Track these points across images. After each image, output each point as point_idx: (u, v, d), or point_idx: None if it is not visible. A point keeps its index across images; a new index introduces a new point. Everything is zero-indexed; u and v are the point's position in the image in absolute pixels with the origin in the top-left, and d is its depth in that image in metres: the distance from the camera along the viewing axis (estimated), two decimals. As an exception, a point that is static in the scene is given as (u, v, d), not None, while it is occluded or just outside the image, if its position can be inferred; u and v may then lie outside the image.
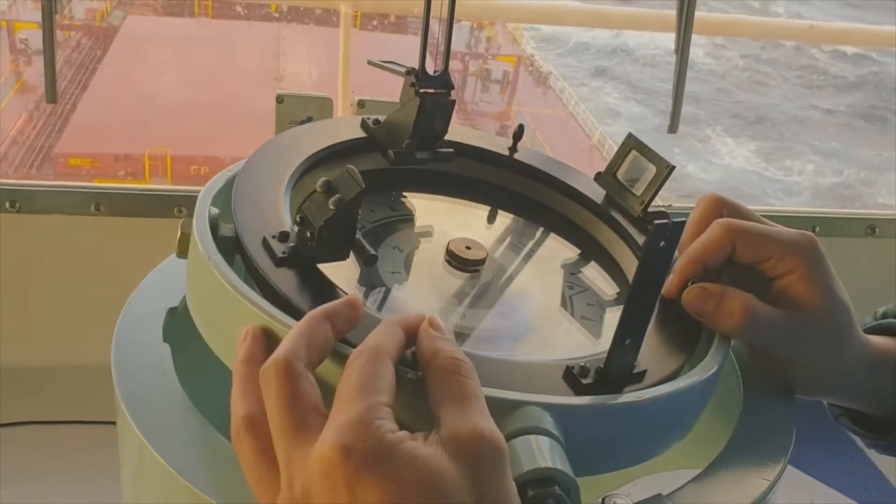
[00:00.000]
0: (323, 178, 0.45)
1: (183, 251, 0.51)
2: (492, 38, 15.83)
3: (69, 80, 12.10)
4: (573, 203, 0.63)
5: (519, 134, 0.65)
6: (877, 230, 1.40)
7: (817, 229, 1.36)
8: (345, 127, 0.61)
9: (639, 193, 0.60)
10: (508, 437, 0.38)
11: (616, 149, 0.61)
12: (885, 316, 0.62)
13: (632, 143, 0.60)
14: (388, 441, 0.34)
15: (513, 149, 0.65)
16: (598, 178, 0.62)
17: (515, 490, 0.36)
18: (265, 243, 0.47)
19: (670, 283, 0.53)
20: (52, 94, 1.09)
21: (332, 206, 0.44)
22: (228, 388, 0.41)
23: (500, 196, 0.64)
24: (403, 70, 0.57)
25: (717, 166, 15.67)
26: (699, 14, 1.35)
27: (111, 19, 14.47)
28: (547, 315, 0.55)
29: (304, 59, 13.16)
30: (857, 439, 0.64)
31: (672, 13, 1.35)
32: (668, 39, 1.37)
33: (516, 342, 0.52)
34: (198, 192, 0.53)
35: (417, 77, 0.56)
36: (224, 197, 0.53)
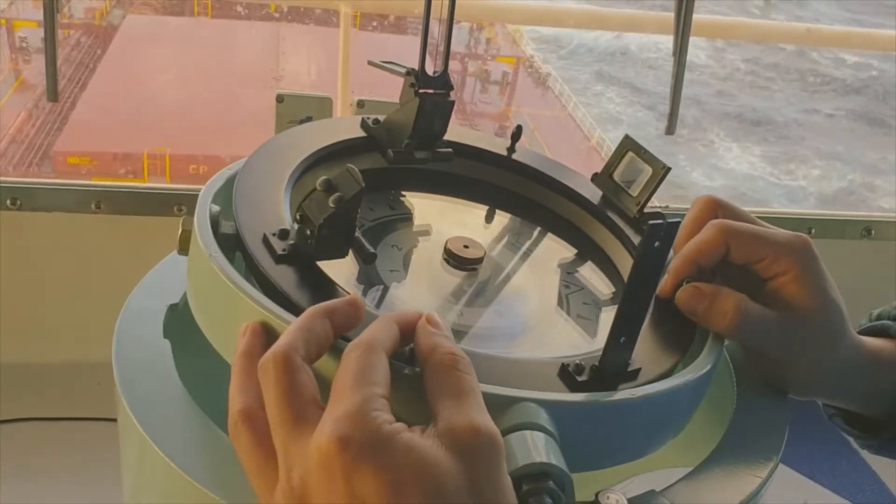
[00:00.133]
0: (323, 177, 0.46)
1: (184, 248, 0.51)
2: (491, 39, 15.84)
3: (68, 78, 12.09)
4: (570, 203, 0.63)
5: (517, 135, 0.65)
6: (873, 232, 1.41)
7: (813, 231, 1.37)
8: (344, 126, 0.61)
9: (635, 194, 0.60)
10: (504, 433, 0.39)
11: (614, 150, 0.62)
12: (879, 317, 0.63)
13: (628, 145, 0.61)
14: (385, 432, 0.35)
15: (511, 149, 0.65)
16: (595, 178, 0.63)
17: (511, 484, 0.37)
18: (265, 241, 0.47)
19: (665, 282, 0.53)
20: (52, 93, 1.10)
21: (332, 205, 0.45)
22: (228, 383, 0.42)
23: (498, 196, 0.64)
24: (403, 71, 0.58)
25: (722, 171, 15.56)
26: (697, 17, 1.36)
27: (110, 18, 14.47)
28: (543, 314, 0.56)
29: (303, 58, 13.16)
30: (851, 440, 0.65)
31: (670, 16, 1.36)
32: (671, 41, 1.38)
33: (513, 340, 0.53)
34: (198, 190, 0.54)
35: (417, 78, 0.56)
36: (225, 195, 0.54)
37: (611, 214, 0.61)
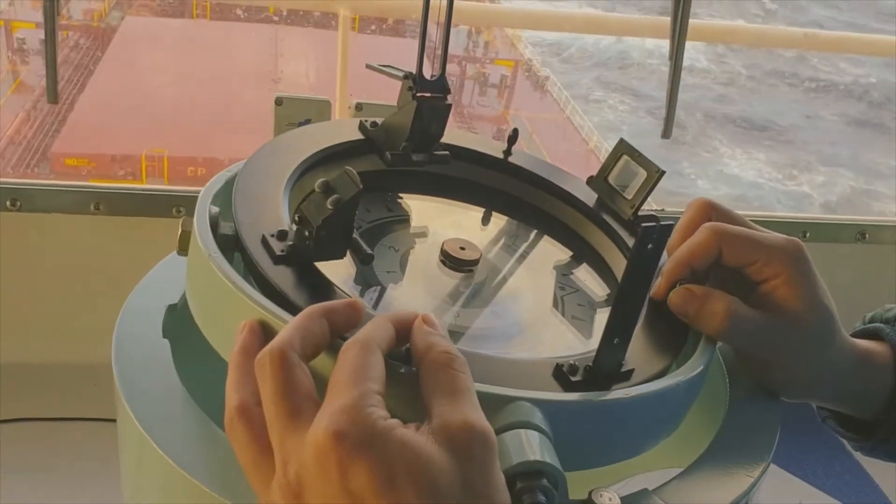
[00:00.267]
0: (321, 179, 0.46)
1: (183, 248, 0.52)
2: (490, 42, 15.85)
3: (66, 80, 12.08)
4: (566, 206, 0.64)
5: (513, 138, 0.66)
6: (867, 236, 1.41)
7: (808, 235, 1.38)
8: (343, 129, 0.62)
9: (629, 197, 0.61)
10: (499, 431, 0.40)
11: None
12: (872, 321, 0.63)
13: (623, 148, 0.61)
14: (380, 427, 0.35)
15: (507, 152, 0.66)
16: (590, 181, 0.64)
17: (504, 481, 0.37)
18: (264, 241, 0.48)
19: (658, 284, 0.54)
20: (53, 94, 1.10)
21: (330, 206, 0.45)
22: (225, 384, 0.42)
23: (494, 198, 0.65)
24: (401, 74, 0.59)
25: (727, 179, 15.45)
26: (694, 21, 1.37)
27: (109, 20, 14.46)
28: (538, 315, 0.56)
29: (301, 61, 13.16)
30: (845, 442, 0.65)
31: (667, 20, 1.37)
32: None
33: (509, 341, 0.53)
34: (196, 192, 0.54)
35: (415, 81, 0.57)
36: (224, 196, 0.54)
37: (606, 217, 0.62)
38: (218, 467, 0.45)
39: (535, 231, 0.64)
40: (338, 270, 0.50)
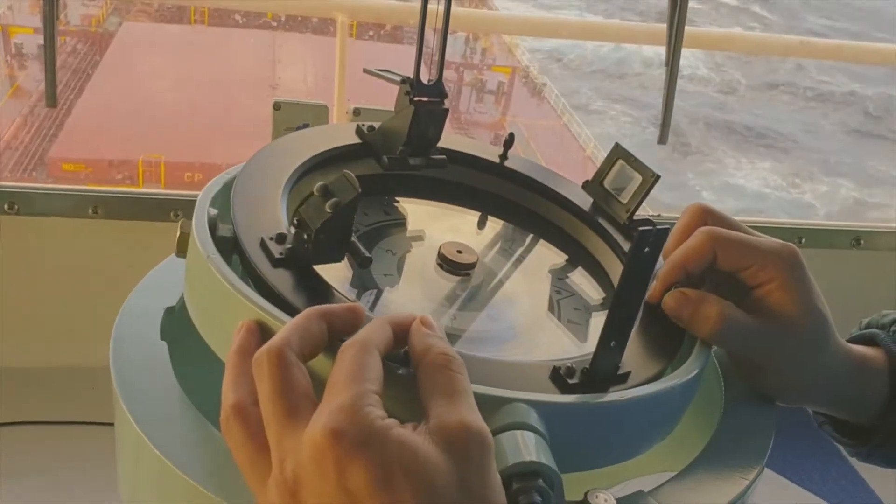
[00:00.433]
0: (320, 182, 0.46)
1: (182, 250, 0.52)
2: (487, 48, 15.88)
3: (64, 84, 12.08)
4: (561, 210, 0.64)
5: (509, 142, 0.66)
6: (862, 242, 1.42)
7: (803, 240, 1.38)
8: (340, 133, 0.62)
9: (625, 201, 0.61)
10: (495, 432, 0.40)
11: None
12: (868, 326, 0.64)
13: (619, 153, 0.62)
14: (378, 427, 0.35)
15: (503, 156, 0.66)
16: (586, 186, 0.64)
17: (500, 482, 0.37)
18: (263, 244, 0.48)
19: (654, 288, 0.54)
20: (51, 98, 1.11)
21: (328, 210, 0.45)
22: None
23: (490, 202, 0.65)
24: (399, 79, 0.59)
25: (733, 190, 15.35)
26: (689, 28, 1.37)
27: (107, 25, 14.46)
28: (535, 318, 0.57)
29: (299, 67, 13.17)
30: (841, 447, 0.65)
31: (663, 27, 1.37)
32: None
33: (505, 344, 0.54)
34: (194, 196, 0.54)
35: (412, 86, 0.57)
36: (223, 198, 0.55)
37: (601, 221, 0.62)
38: (215, 468, 0.45)
39: (531, 235, 0.64)
40: (335, 273, 0.50)
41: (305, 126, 0.70)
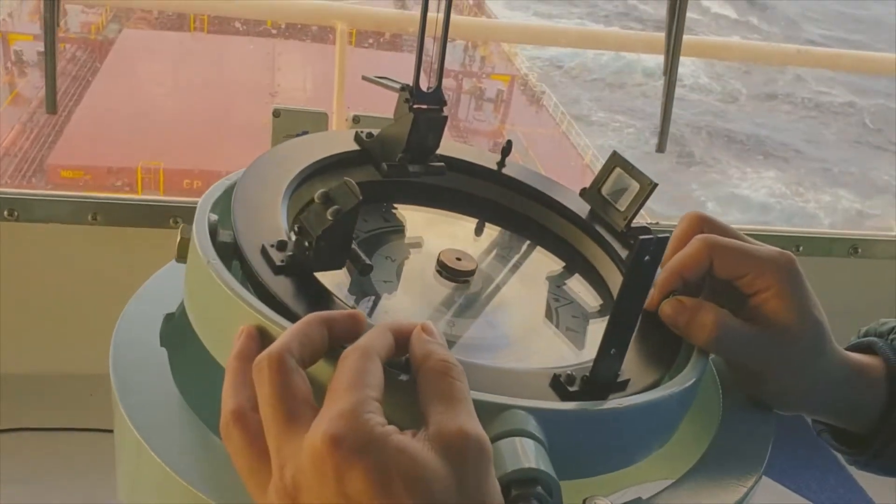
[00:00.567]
0: (321, 190, 0.47)
1: (182, 256, 0.52)
2: (486, 56, 15.91)
3: (63, 91, 12.09)
4: (559, 217, 0.65)
5: (507, 150, 0.66)
6: (859, 250, 1.43)
7: (801, 248, 1.38)
8: (340, 140, 0.63)
9: (622, 209, 0.61)
10: (494, 439, 0.40)
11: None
12: (867, 334, 0.64)
13: (616, 161, 0.62)
14: (378, 433, 0.36)
15: (501, 164, 0.67)
16: (584, 193, 0.64)
17: (499, 488, 0.38)
18: (264, 251, 0.48)
19: (651, 296, 0.54)
20: (52, 105, 1.11)
21: (329, 217, 0.46)
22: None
23: (488, 209, 0.66)
24: (398, 86, 0.59)
25: (739, 201, 15.26)
26: (688, 37, 1.38)
27: (106, 32, 14.48)
28: (533, 326, 0.57)
29: (298, 74, 13.19)
30: (839, 455, 0.65)
31: (661, 35, 1.38)
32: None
33: (503, 351, 0.54)
34: (193, 202, 0.55)
35: (412, 93, 0.58)
36: (223, 204, 0.55)
37: (599, 228, 0.63)
38: (214, 474, 0.45)
39: (529, 242, 0.65)
40: (335, 280, 0.51)
41: (305, 133, 0.71)
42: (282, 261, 0.48)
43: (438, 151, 0.62)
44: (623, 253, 0.61)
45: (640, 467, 0.50)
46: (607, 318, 0.46)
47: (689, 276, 0.53)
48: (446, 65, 0.59)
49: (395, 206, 0.63)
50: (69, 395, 1.13)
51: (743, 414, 0.56)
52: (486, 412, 0.41)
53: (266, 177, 0.56)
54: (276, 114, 0.80)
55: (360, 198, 0.46)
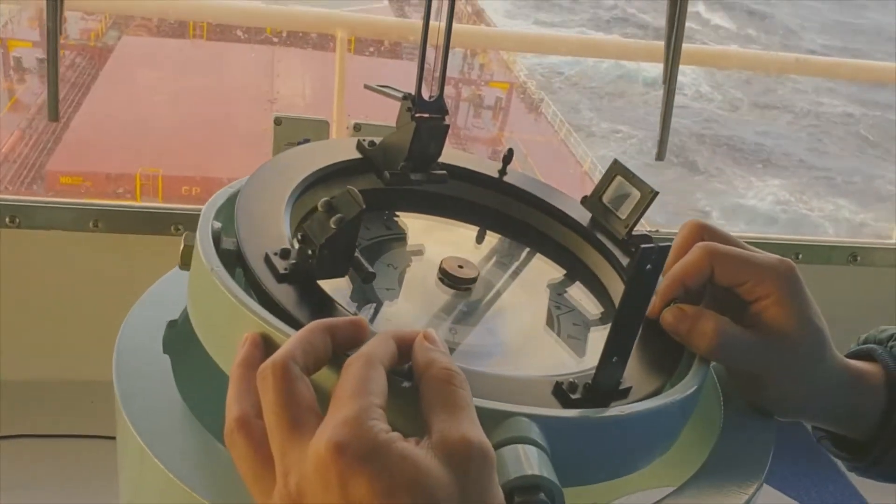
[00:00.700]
0: (324, 198, 0.47)
1: (185, 263, 0.52)
2: (485, 64, 15.93)
3: (62, 98, 12.07)
4: (560, 225, 0.65)
5: (508, 158, 0.67)
6: (858, 258, 1.43)
7: (800, 256, 1.39)
8: (342, 148, 0.63)
9: (623, 217, 0.62)
10: (497, 446, 0.40)
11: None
12: (866, 341, 0.64)
13: (617, 169, 0.62)
14: (382, 440, 0.36)
15: (502, 172, 0.67)
16: (585, 201, 0.65)
17: (502, 495, 0.38)
18: (267, 260, 0.48)
19: (653, 304, 0.55)
20: (54, 112, 1.11)
21: (333, 225, 0.46)
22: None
23: (489, 217, 0.66)
24: (400, 95, 0.60)
25: (746, 212, 15.19)
26: (687, 45, 1.38)
27: (106, 39, 14.49)
28: (535, 333, 0.57)
29: (297, 82, 13.20)
30: (839, 462, 0.66)
31: (660, 44, 1.38)
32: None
33: (504, 358, 0.54)
34: (194, 210, 0.55)
35: (414, 102, 0.58)
36: (226, 212, 0.55)
37: (600, 236, 0.63)
38: (217, 481, 0.46)
39: (530, 249, 0.65)
40: (337, 288, 0.51)
41: (306, 141, 0.71)
42: (285, 269, 0.48)
43: (440, 159, 0.62)
44: (624, 261, 0.61)
45: (642, 474, 0.50)
46: (608, 325, 0.46)
47: (690, 283, 0.54)
48: (446, 73, 0.59)
49: (397, 213, 0.64)
50: (70, 402, 1.13)
51: (744, 421, 0.57)
52: (489, 419, 0.41)
53: (269, 185, 0.56)
54: (278, 122, 0.80)
55: (363, 206, 0.46)
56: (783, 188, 16.46)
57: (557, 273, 0.63)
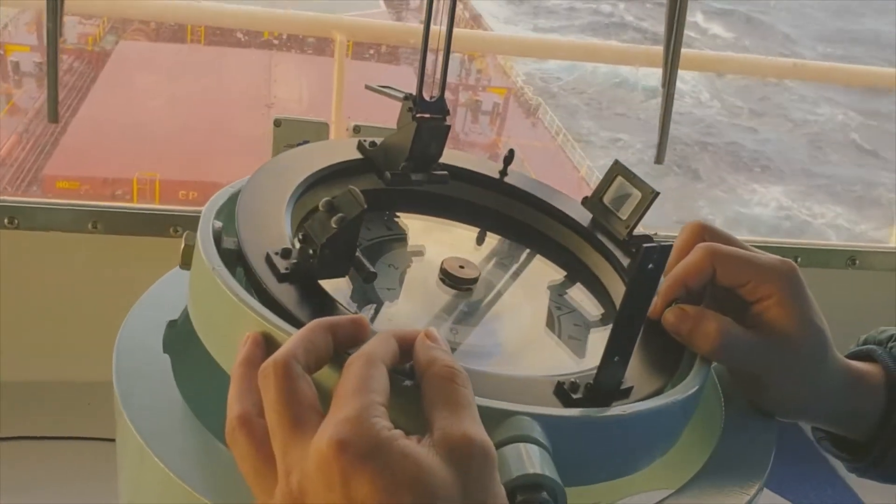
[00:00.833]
0: (326, 198, 0.47)
1: (186, 263, 0.52)
2: (482, 69, 15.96)
3: (59, 102, 12.07)
4: (561, 226, 0.65)
5: (509, 159, 0.67)
6: (857, 262, 1.43)
7: (799, 260, 1.39)
8: (342, 149, 0.63)
9: (624, 218, 0.62)
10: (499, 445, 0.40)
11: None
12: (866, 342, 0.64)
13: (618, 170, 0.62)
14: (383, 438, 0.36)
15: (503, 173, 0.67)
16: (585, 202, 0.65)
17: (504, 494, 0.38)
18: (268, 259, 0.48)
19: (655, 304, 0.55)
20: (53, 114, 1.11)
21: (334, 225, 0.46)
22: (227, 396, 0.43)
23: (490, 218, 0.66)
24: (401, 95, 0.60)
25: (749, 220, 15.16)
26: (686, 50, 1.39)
27: (103, 44, 14.50)
28: (536, 334, 0.57)
29: (294, 86, 13.21)
30: (838, 465, 0.66)
31: (659, 49, 1.39)
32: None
33: (505, 359, 0.54)
34: (193, 211, 0.55)
35: (415, 102, 0.58)
36: (227, 212, 0.55)
37: (600, 237, 0.63)
38: (218, 480, 0.46)
39: (531, 250, 0.65)
40: (338, 288, 0.51)
41: (305, 143, 0.71)
42: (286, 268, 0.48)
43: (441, 160, 0.62)
44: (625, 261, 0.61)
45: (643, 474, 0.50)
46: (609, 326, 0.46)
47: (692, 284, 0.54)
48: (447, 72, 0.59)
49: (398, 214, 0.64)
50: (70, 404, 1.12)
51: (745, 421, 0.57)
52: (491, 418, 0.41)
53: (270, 185, 0.56)
54: (277, 123, 0.80)
55: (365, 206, 0.46)
56: (785, 194, 16.50)
57: (558, 274, 0.63)
